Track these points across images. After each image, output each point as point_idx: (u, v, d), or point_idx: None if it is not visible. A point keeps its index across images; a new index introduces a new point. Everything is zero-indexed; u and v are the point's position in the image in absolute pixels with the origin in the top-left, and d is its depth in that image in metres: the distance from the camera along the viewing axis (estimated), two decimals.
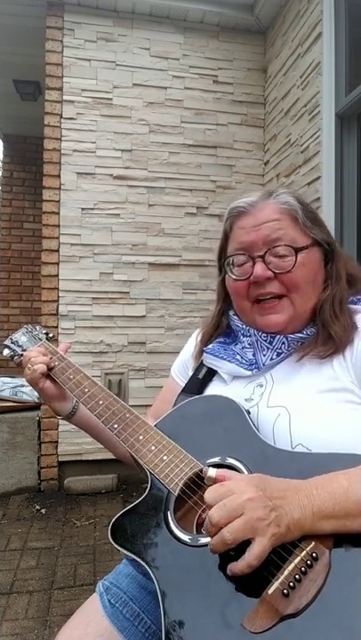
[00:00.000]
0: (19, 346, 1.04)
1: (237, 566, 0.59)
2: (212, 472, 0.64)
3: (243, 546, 0.59)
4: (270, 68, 3.31)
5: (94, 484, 3.09)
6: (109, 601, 0.85)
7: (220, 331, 0.97)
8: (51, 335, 1.09)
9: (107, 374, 3.16)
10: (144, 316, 3.23)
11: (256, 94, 3.42)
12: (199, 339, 1.01)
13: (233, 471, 0.68)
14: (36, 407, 3.21)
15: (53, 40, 3.15)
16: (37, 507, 2.86)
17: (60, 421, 3.06)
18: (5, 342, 1.06)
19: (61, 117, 3.14)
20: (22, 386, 3.36)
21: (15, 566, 2.19)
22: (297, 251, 0.82)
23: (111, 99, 3.20)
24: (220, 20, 3.27)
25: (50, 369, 0.95)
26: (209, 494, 0.61)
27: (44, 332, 1.09)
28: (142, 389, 3.19)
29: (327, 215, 2.52)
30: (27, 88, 4.15)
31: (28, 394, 3.29)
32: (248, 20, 3.28)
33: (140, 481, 3.11)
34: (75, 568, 2.19)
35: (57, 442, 3.09)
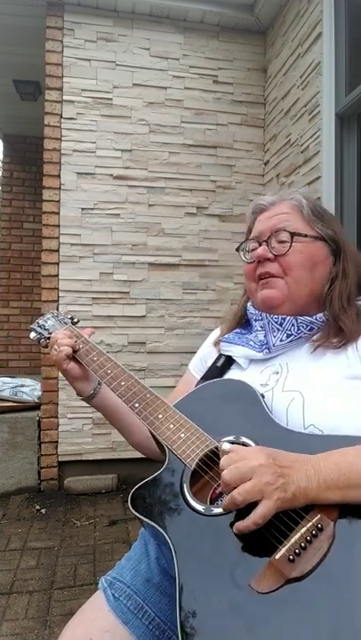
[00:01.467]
0: (45, 329, 1.09)
1: (243, 523, 0.64)
2: (226, 446, 0.70)
3: (252, 509, 0.64)
4: (270, 68, 3.32)
5: (94, 484, 3.09)
6: (113, 595, 0.86)
7: (240, 323, 1.03)
8: (75, 320, 1.14)
9: None
10: (144, 316, 3.23)
11: (256, 94, 3.43)
12: (222, 331, 1.07)
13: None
14: (36, 407, 3.21)
15: (53, 40, 3.15)
16: (37, 507, 2.86)
17: (60, 421, 3.06)
18: (32, 326, 1.12)
19: (61, 117, 3.14)
20: (22, 386, 3.36)
21: (15, 566, 2.19)
22: (293, 235, 0.90)
23: (111, 99, 3.20)
24: (220, 19, 3.28)
25: (75, 351, 1.00)
26: (223, 460, 0.67)
27: (69, 316, 1.14)
28: None
29: None
30: (27, 88, 4.15)
31: (28, 394, 3.29)
32: (248, 20, 3.28)
33: (141, 480, 3.10)
34: (75, 568, 2.19)
35: (57, 442, 3.09)
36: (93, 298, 3.16)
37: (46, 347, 1.07)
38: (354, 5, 2.49)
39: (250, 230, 1.01)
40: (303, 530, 0.64)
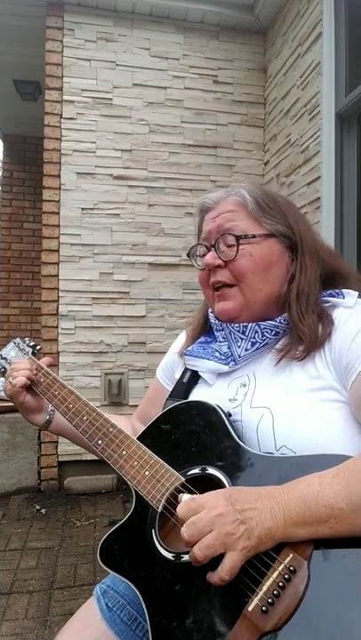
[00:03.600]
0: (8, 362, 1.07)
1: (212, 579, 0.61)
2: (185, 497, 0.67)
3: (221, 559, 0.60)
4: (270, 68, 3.31)
5: (94, 483, 3.09)
6: (107, 604, 0.85)
7: (204, 330, 0.98)
8: (38, 348, 1.10)
9: (107, 374, 3.16)
10: (144, 316, 3.23)
11: (256, 94, 3.42)
12: (186, 337, 1.01)
13: (207, 491, 0.69)
14: None
15: (53, 40, 3.15)
16: (37, 507, 2.86)
17: None
18: None
19: (61, 117, 3.14)
20: None
21: (15, 566, 2.19)
22: (238, 239, 0.83)
23: (111, 99, 3.20)
24: (220, 20, 3.27)
25: (31, 382, 0.97)
26: (181, 509, 0.64)
27: (31, 344, 1.10)
28: (142, 389, 3.19)
29: (327, 215, 2.52)
30: (27, 88, 4.15)
31: None
32: (248, 20, 3.28)
33: None
34: (75, 568, 2.19)
35: (57, 442, 3.09)
36: (93, 298, 3.17)
37: None
38: (354, 5, 2.49)
39: (200, 230, 0.94)
40: (275, 574, 0.60)
